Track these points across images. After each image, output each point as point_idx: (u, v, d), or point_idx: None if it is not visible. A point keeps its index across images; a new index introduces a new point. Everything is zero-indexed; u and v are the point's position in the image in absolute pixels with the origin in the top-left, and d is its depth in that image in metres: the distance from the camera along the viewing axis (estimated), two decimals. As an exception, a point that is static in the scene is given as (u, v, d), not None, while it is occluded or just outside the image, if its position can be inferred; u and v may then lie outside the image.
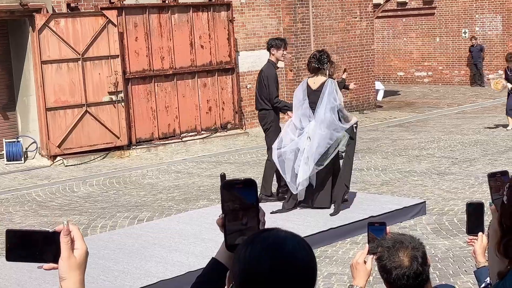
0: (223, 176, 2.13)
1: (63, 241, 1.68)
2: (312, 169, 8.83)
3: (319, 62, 9.03)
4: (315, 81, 9.09)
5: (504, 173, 2.67)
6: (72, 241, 1.70)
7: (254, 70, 17.86)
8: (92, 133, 14.63)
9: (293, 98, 9.38)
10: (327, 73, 9.23)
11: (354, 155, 9.57)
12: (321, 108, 8.84)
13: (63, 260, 1.69)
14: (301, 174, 8.85)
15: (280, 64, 11.12)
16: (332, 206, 9.00)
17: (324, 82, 8.98)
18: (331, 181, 9.10)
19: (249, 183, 1.98)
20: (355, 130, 9.13)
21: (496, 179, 2.64)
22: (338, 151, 9.11)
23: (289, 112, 9.54)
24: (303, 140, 8.89)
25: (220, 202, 1.97)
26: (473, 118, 17.61)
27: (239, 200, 1.97)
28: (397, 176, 11.55)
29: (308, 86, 9.07)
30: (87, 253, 1.73)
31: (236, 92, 17.02)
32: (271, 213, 8.72)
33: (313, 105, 8.92)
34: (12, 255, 1.67)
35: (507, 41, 24.37)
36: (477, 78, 24.79)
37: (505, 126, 15.50)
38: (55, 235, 1.69)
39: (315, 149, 8.78)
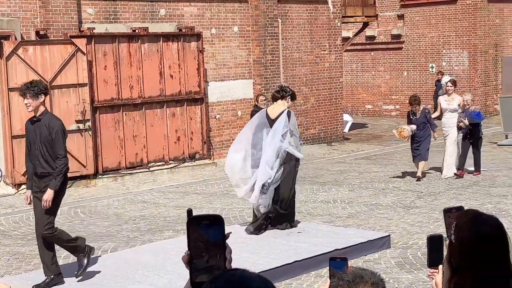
0: (189, 212, 2.11)
1: None
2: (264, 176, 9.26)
3: (281, 91, 9.67)
4: (274, 108, 9.63)
5: (460, 208, 2.70)
6: None
7: (223, 101, 17.94)
8: (58, 161, 14.47)
9: (250, 122, 10.03)
10: (286, 103, 9.69)
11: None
12: (275, 134, 9.38)
13: None
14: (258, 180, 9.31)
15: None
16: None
17: (282, 112, 9.50)
18: (288, 205, 9.57)
19: (216, 220, 1.97)
20: (296, 166, 9.61)
21: (450, 215, 2.67)
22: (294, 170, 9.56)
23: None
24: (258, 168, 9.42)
25: (186, 238, 1.96)
26: (439, 152, 17.77)
27: (205, 237, 1.96)
28: (363, 209, 11.60)
29: (267, 115, 9.59)
30: None
31: (205, 122, 17.04)
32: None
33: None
34: None
35: (473, 76, 24.81)
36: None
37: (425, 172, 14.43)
38: None
39: (267, 154, 9.32)
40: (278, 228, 9.56)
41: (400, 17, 26.43)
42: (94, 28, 15.26)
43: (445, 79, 15.12)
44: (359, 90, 27.72)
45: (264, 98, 14.13)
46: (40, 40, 14.53)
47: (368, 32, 26.10)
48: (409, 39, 26.22)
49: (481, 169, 14.20)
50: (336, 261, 3.19)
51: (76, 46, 14.58)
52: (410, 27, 26.13)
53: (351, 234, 9.47)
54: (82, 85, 14.74)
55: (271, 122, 9.50)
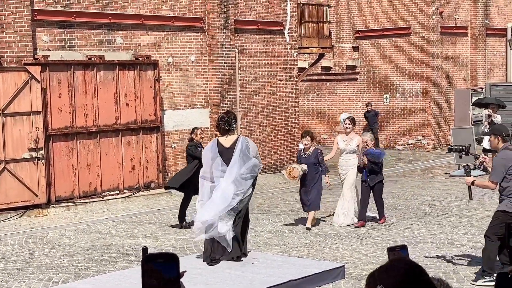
0: (145, 250, 2.12)
1: None
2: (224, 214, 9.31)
3: (228, 124, 9.70)
4: (227, 138, 9.68)
5: (403, 247, 2.73)
6: None
7: (179, 129, 17.90)
8: (10, 190, 14.23)
9: (203, 158, 9.83)
10: (236, 131, 9.92)
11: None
12: (235, 164, 9.39)
13: None
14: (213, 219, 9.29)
15: None
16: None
17: (237, 140, 9.62)
18: (241, 234, 9.61)
19: (170, 258, 1.97)
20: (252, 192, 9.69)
21: (394, 254, 2.69)
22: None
23: None
24: (216, 193, 9.38)
25: (141, 276, 1.95)
26: (393, 182, 18.00)
27: (159, 275, 1.95)
28: (318, 239, 11.63)
29: (220, 144, 9.62)
30: None
31: (161, 151, 16.95)
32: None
33: (227, 161, 9.47)
34: None
35: (426, 107, 25.26)
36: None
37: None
38: None
39: (229, 195, 9.32)
40: (232, 258, 9.51)
41: (355, 48, 26.85)
42: (49, 56, 15.12)
43: (343, 116, 13.14)
44: (315, 119, 27.96)
45: (201, 131, 13.47)
46: (-7, 67, 14.33)
47: (324, 63, 26.44)
48: (364, 70, 26.62)
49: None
50: None
51: (30, 73, 14.42)
52: (365, 59, 26.55)
53: (306, 264, 9.47)
54: (36, 113, 14.55)
55: (226, 150, 9.52)
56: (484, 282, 8.60)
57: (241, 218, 9.58)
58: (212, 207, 9.31)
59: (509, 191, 8.57)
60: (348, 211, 12.66)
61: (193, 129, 13.54)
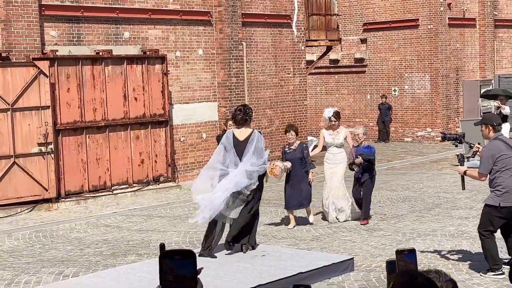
0: (162, 246, 2.15)
1: None
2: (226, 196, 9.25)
3: (246, 115, 9.67)
4: (241, 131, 9.64)
5: (411, 251, 2.70)
6: None
7: (188, 123, 17.91)
8: (20, 185, 14.30)
9: (221, 144, 9.75)
10: (251, 125, 9.90)
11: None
12: (248, 155, 9.42)
13: None
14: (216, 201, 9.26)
15: None
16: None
17: (251, 133, 9.60)
18: (250, 225, 9.61)
19: (187, 255, 1.98)
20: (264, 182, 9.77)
21: (400, 258, 2.67)
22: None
23: None
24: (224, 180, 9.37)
25: (158, 272, 1.96)
26: (402, 174, 17.98)
27: (176, 271, 1.96)
28: (327, 232, 11.64)
29: (234, 137, 9.59)
30: None
31: (169, 144, 16.98)
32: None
33: (240, 154, 9.47)
34: None
35: (435, 99, 25.18)
36: (382, 134, 25.67)
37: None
38: None
39: (234, 178, 9.30)
40: (241, 247, 9.54)
41: (363, 41, 26.78)
42: (57, 51, 15.15)
43: (327, 114, 12.50)
44: (323, 112, 27.90)
45: (232, 123, 13.53)
46: (2, 63, 14.36)
47: (332, 55, 26.38)
48: (372, 63, 26.55)
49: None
50: None
51: (39, 68, 14.46)
52: (373, 51, 26.48)
53: (315, 257, 9.48)
54: (45, 107, 14.60)
55: (241, 144, 9.50)
56: (494, 274, 8.58)
57: (251, 211, 9.58)
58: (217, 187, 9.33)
59: (495, 183, 8.47)
60: (343, 208, 12.27)
61: (226, 120, 13.92)
